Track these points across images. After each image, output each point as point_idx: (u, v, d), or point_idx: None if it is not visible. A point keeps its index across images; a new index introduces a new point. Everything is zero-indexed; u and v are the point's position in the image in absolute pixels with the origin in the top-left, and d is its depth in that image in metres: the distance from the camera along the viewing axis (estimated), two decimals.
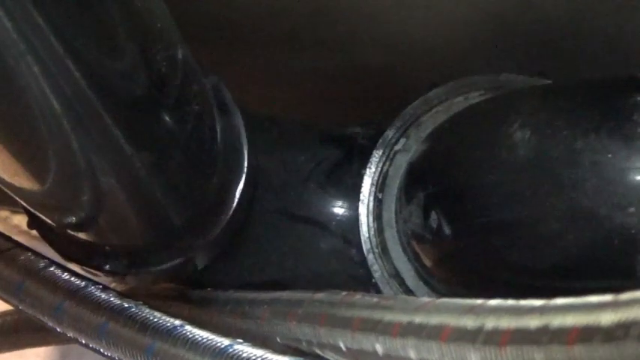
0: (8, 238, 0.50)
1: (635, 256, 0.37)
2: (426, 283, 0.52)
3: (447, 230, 0.45)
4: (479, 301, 0.28)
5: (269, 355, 0.38)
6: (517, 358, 0.24)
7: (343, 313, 0.38)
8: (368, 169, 0.55)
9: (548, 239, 0.40)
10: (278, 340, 0.43)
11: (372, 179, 0.55)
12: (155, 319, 0.42)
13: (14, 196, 0.39)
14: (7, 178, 0.36)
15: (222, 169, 0.48)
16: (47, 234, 0.48)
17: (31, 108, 0.29)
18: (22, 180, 0.36)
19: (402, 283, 0.53)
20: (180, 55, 0.37)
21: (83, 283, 0.45)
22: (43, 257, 0.48)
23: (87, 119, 0.32)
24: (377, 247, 0.53)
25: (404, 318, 0.32)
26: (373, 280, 0.53)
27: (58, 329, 0.44)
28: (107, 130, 0.33)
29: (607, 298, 0.22)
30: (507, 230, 0.42)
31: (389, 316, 0.33)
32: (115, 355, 0.42)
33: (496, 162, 0.43)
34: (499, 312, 0.27)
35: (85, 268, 0.48)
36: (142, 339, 0.41)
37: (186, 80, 0.38)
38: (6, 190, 0.38)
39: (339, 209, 0.56)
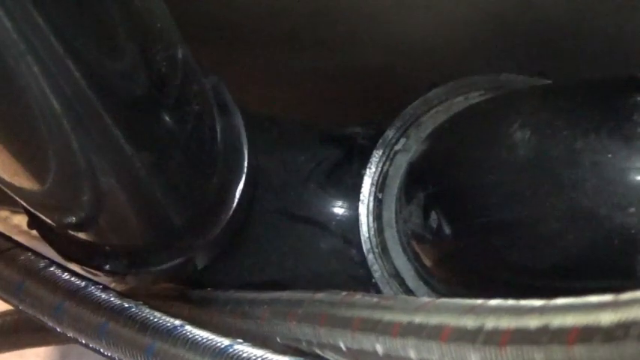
0: (8, 238, 0.50)
1: (635, 256, 0.37)
2: (426, 283, 0.52)
3: (446, 230, 0.45)
4: (479, 301, 0.28)
5: (269, 355, 0.38)
6: (517, 358, 0.24)
7: (343, 313, 0.38)
8: (368, 169, 0.55)
9: (548, 239, 0.40)
10: (278, 340, 0.43)
11: (372, 179, 0.55)
12: (155, 319, 0.42)
13: (14, 196, 0.39)
14: (7, 178, 0.36)
15: (222, 169, 0.48)
16: (47, 234, 0.48)
17: (31, 108, 0.29)
18: (22, 180, 0.36)
19: (402, 283, 0.53)
20: (180, 55, 0.37)
21: (83, 283, 0.45)
22: (43, 257, 0.48)
23: (87, 119, 0.32)
24: (377, 247, 0.53)
25: (404, 318, 0.32)
26: (373, 280, 0.53)
27: (58, 329, 0.44)
28: (107, 130, 0.33)
29: (607, 298, 0.22)
30: (507, 230, 0.42)
31: (389, 316, 0.33)
32: (115, 355, 0.42)
33: (496, 162, 0.43)
34: (499, 312, 0.27)
35: (85, 268, 0.48)
36: (142, 339, 0.41)
37: (186, 80, 0.38)
38: (6, 190, 0.38)
39: (339, 209, 0.56)
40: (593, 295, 0.23)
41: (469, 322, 0.27)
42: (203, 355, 0.39)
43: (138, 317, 0.42)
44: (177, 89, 0.37)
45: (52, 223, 0.44)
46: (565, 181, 0.38)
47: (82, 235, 0.45)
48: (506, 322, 0.26)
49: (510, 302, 0.27)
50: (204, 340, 0.40)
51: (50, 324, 0.45)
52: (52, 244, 0.48)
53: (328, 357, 0.39)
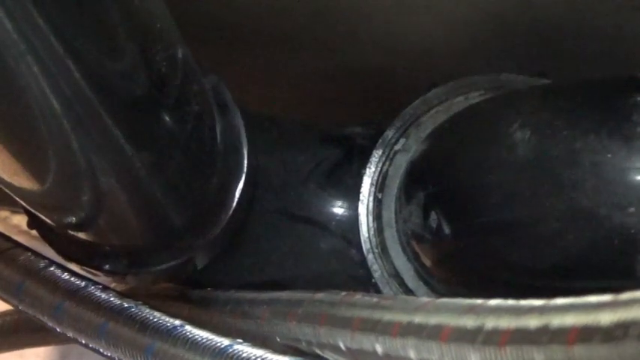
0: (8, 238, 0.50)
1: (634, 256, 0.37)
2: (426, 282, 0.52)
3: (446, 230, 0.45)
4: (479, 301, 0.28)
5: (269, 355, 0.38)
6: (517, 358, 0.24)
7: (343, 313, 0.38)
8: (368, 169, 0.55)
9: (548, 239, 0.40)
10: (278, 340, 0.43)
11: (372, 179, 0.55)
12: (155, 319, 0.42)
13: (14, 196, 0.39)
14: (6, 177, 0.36)
15: (222, 169, 0.48)
16: (47, 234, 0.48)
17: (31, 108, 0.29)
18: (22, 180, 0.36)
19: (401, 283, 0.53)
20: (180, 55, 0.37)
21: (83, 283, 0.45)
22: (43, 257, 0.48)
23: (87, 119, 0.32)
24: (377, 247, 0.53)
25: (404, 318, 0.32)
26: (373, 280, 0.53)
27: (58, 329, 0.44)
28: (107, 130, 0.33)
29: (606, 298, 0.22)
30: (507, 230, 0.42)
31: (389, 316, 0.33)
32: (115, 355, 0.42)
33: (496, 162, 0.43)
34: (499, 312, 0.27)
35: (84, 268, 0.48)
36: (142, 339, 0.41)
37: (186, 80, 0.38)
38: (6, 189, 0.38)
39: (338, 209, 0.56)
40: (592, 295, 0.23)
41: (469, 322, 0.27)
42: (203, 355, 0.39)
43: (138, 317, 0.42)
44: (177, 89, 0.37)
45: (52, 223, 0.44)
46: (565, 181, 0.38)
47: (81, 235, 0.45)
48: (506, 322, 0.26)
49: (510, 302, 0.27)
50: (204, 340, 0.40)
51: (50, 324, 0.45)
52: (51, 244, 0.48)
53: (328, 357, 0.39)
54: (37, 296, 0.45)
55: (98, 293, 0.45)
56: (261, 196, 0.54)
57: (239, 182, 0.49)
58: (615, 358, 0.21)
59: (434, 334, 0.29)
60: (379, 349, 0.32)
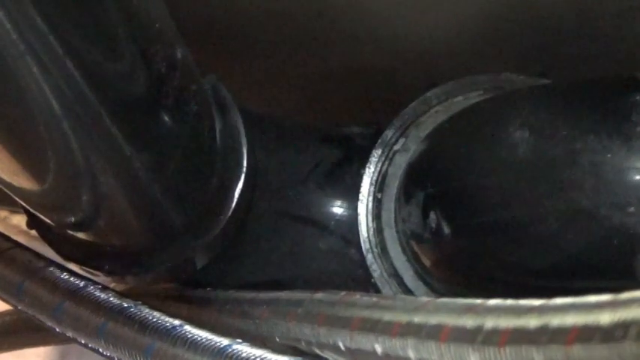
0: (8, 238, 0.50)
1: (634, 256, 0.37)
2: (425, 282, 0.52)
3: (446, 230, 0.45)
4: (478, 301, 0.28)
5: (268, 354, 0.38)
6: (516, 358, 0.24)
7: (342, 312, 0.38)
8: (367, 169, 0.55)
9: (547, 239, 0.40)
10: (277, 339, 0.43)
11: (371, 179, 0.55)
12: (154, 319, 0.42)
13: (14, 196, 0.39)
14: (6, 178, 0.36)
15: (221, 169, 0.48)
16: (46, 234, 0.48)
17: (30, 108, 0.29)
18: (21, 180, 0.36)
19: (401, 282, 0.53)
20: (179, 56, 0.37)
21: (83, 283, 0.45)
22: (43, 257, 0.48)
23: (86, 119, 0.32)
24: (376, 247, 0.53)
25: (403, 318, 0.32)
26: (372, 280, 0.53)
27: (58, 329, 0.44)
28: (106, 130, 0.33)
29: (606, 297, 0.22)
30: (507, 230, 0.42)
31: (388, 316, 0.33)
32: (115, 355, 0.42)
33: (496, 162, 0.43)
34: (498, 312, 0.27)
35: (84, 268, 0.48)
36: (142, 339, 0.41)
37: (185, 80, 0.38)
38: (5, 189, 0.38)
39: (338, 209, 0.56)
40: (592, 295, 0.23)
41: (468, 322, 0.27)
42: (202, 355, 0.39)
43: (137, 317, 0.42)
44: (176, 89, 0.37)
45: (52, 223, 0.44)
46: (564, 181, 0.38)
47: (81, 235, 0.45)
48: (506, 322, 0.26)
49: (509, 302, 0.27)
50: (204, 340, 0.40)
51: (50, 324, 0.45)
52: (51, 244, 0.48)
53: (327, 357, 0.39)
54: (37, 296, 0.45)
55: (98, 293, 0.45)
56: (260, 196, 0.54)
57: (238, 182, 0.49)
58: (615, 358, 0.21)
59: (433, 334, 0.29)
60: (378, 348, 0.32)
